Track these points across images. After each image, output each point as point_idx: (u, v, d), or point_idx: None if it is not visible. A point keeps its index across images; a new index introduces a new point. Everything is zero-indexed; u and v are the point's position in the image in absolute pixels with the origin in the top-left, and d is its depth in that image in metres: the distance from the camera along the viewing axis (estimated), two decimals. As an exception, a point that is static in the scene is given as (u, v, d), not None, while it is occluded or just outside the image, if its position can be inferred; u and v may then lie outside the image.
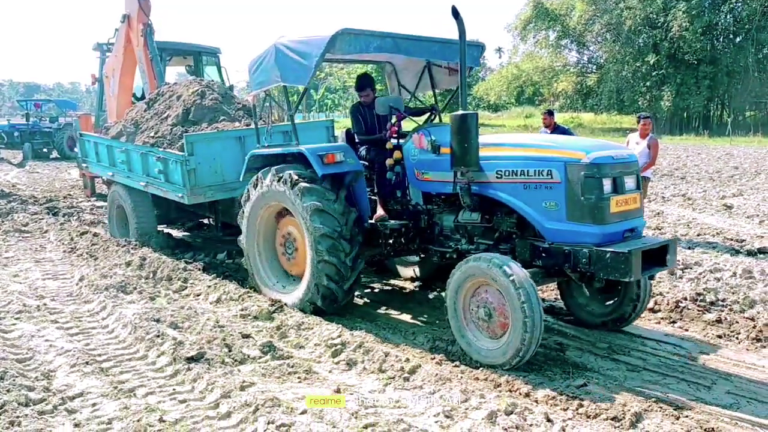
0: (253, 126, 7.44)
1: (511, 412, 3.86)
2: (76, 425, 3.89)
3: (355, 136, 6.79)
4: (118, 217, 9.54)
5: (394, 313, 6.46)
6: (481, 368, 4.77)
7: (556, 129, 9.59)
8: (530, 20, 45.57)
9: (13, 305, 6.28)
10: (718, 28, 39.82)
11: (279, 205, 6.35)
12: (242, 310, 6.08)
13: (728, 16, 39.45)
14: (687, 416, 3.96)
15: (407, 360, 4.76)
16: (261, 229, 6.69)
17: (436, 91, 7.21)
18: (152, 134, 8.45)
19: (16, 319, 5.94)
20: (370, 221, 6.13)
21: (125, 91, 10.97)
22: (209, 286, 6.90)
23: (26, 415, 3.91)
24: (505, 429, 3.71)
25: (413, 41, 6.10)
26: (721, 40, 41.02)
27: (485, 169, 5.24)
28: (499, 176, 5.20)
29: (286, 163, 6.33)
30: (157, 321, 5.58)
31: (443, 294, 6.93)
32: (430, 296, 7.03)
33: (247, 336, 5.37)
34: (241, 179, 6.97)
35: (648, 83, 40.58)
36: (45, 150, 25.90)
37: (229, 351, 4.99)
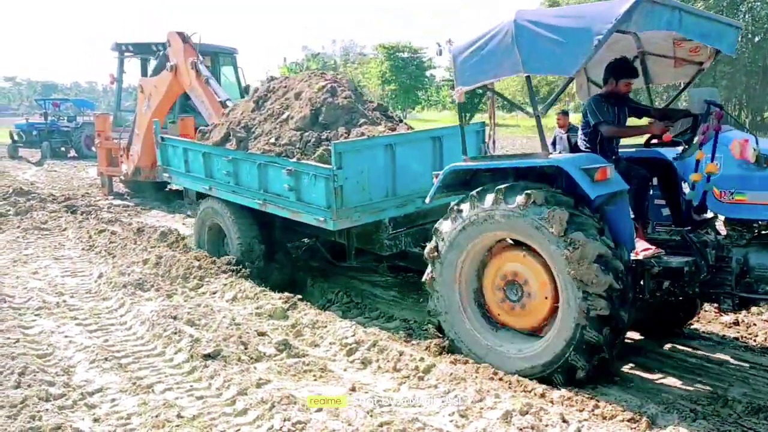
0: (400, 131, 6.63)
1: (527, 413, 3.87)
2: (96, 420, 3.96)
3: (601, 140, 5.03)
4: (212, 239, 8.01)
5: (408, 312, 6.47)
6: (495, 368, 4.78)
7: (570, 130, 9.57)
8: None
9: (33, 302, 6.38)
10: (737, 27, 39.31)
11: (498, 236, 4.80)
12: (257, 308, 6.12)
13: (746, 16, 39.00)
14: (704, 417, 3.93)
15: (422, 359, 4.77)
16: (464, 268, 4.95)
17: (650, 86, 5.81)
18: (273, 140, 6.81)
19: (36, 315, 6.03)
20: (634, 257, 4.48)
21: (159, 115, 11.07)
22: (225, 285, 6.95)
23: (47, 409, 3.98)
24: (520, 429, 3.71)
25: (696, 17, 4.61)
26: (739, 39, 40.55)
27: None
28: None
29: (494, 181, 4.82)
30: (174, 318, 5.64)
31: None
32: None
33: (262, 334, 5.41)
34: (427, 201, 5.45)
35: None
36: (63, 149, 26.19)
37: (245, 348, 5.04)
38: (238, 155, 7.10)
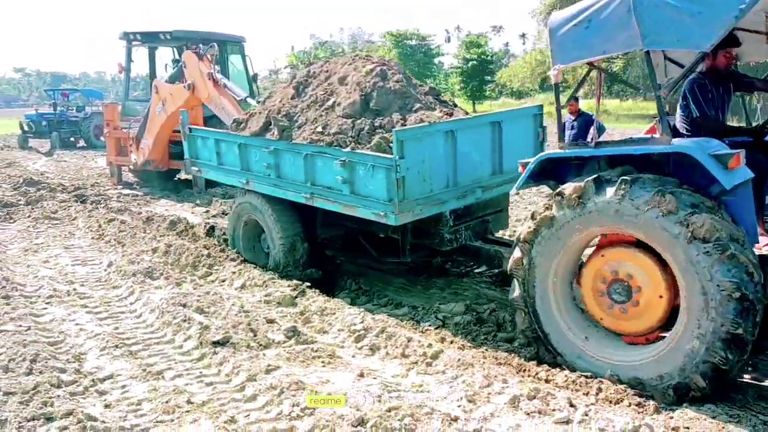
0: (457, 116, 6.23)
1: (534, 397, 3.87)
2: (107, 406, 4.00)
3: (699, 125, 4.61)
4: (247, 236, 7.65)
5: (416, 298, 6.48)
6: (504, 352, 4.78)
7: (580, 116, 9.47)
8: (555, 5, 44.80)
9: (44, 290, 6.44)
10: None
11: (598, 232, 4.34)
12: (266, 295, 6.16)
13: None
14: (712, 401, 3.92)
15: (429, 345, 4.78)
16: (561, 265, 4.50)
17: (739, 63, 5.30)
18: (320, 129, 6.29)
19: (47, 303, 6.09)
20: (758, 252, 3.99)
21: (168, 126, 11.17)
22: (234, 272, 6.99)
23: (58, 396, 4.02)
24: (528, 413, 3.72)
25: None
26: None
27: None
28: None
29: (580, 170, 4.53)
30: (184, 306, 5.68)
31: (465, 280, 6.97)
32: (452, 281, 7.02)
33: (271, 321, 5.44)
34: (516, 191, 5.14)
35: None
36: (72, 139, 26.27)
37: (254, 335, 5.07)
38: (281, 146, 6.59)
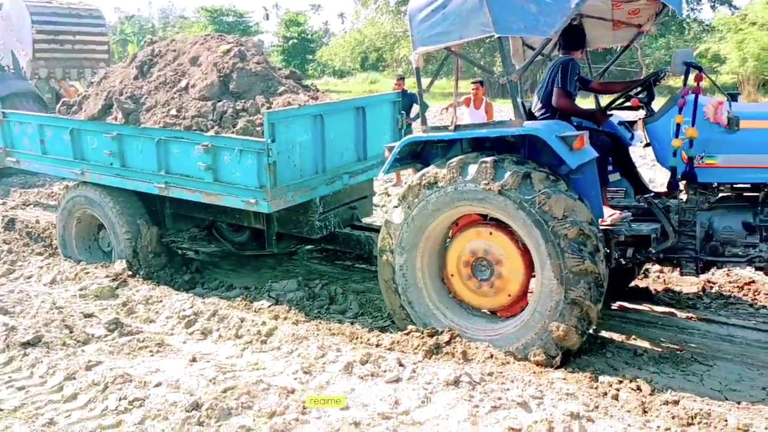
0: (323, 101, 6.06)
1: (366, 362, 4.05)
2: None
3: (573, 108, 4.86)
4: (81, 235, 6.81)
5: (248, 279, 6.41)
6: (336, 323, 4.94)
7: (405, 95, 9.51)
8: (372, -15, 45.91)
9: None
10: None
11: (462, 212, 4.53)
12: (81, 289, 5.70)
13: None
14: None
15: (263, 323, 4.79)
16: (428, 245, 4.66)
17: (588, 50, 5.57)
18: (174, 112, 5.81)
19: None
20: (602, 225, 4.40)
21: None
22: (41, 267, 6.40)
23: None
24: (362, 377, 3.90)
25: None
26: None
27: None
28: None
29: (446, 152, 4.71)
30: (-17, 308, 5.08)
31: (295, 257, 7.03)
32: (283, 259, 7.04)
33: (89, 315, 5.08)
34: (384, 174, 5.16)
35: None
36: None
37: (71, 332, 4.71)
38: (127, 131, 5.97)
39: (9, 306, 5.18)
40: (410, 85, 12.92)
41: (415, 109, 8.95)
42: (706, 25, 29.11)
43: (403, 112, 6.92)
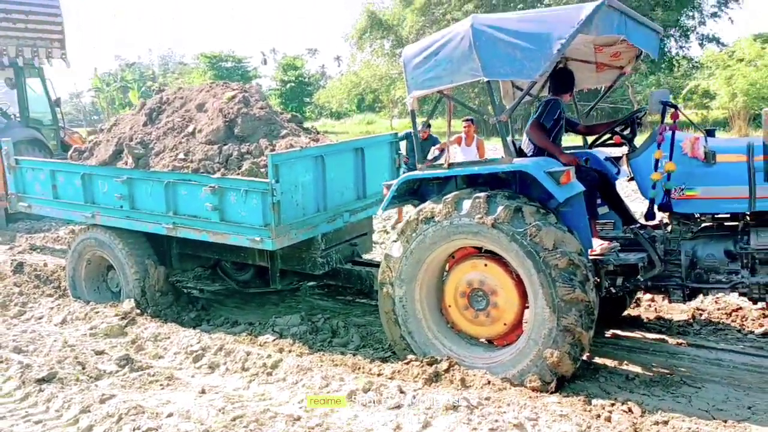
0: (324, 142, 6.35)
1: (369, 390, 4.23)
2: None
3: (544, 142, 5.10)
4: (91, 276, 7.02)
5: (252, 315, 6.59)
6: (339, 355, 5.12)
7: (428, 139, 9.67)
8: (365, 30, 47.03)
9: None
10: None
11: (458, 245, 4.75)
12: (91, 328, 5.88)
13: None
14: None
15: (269, 356, 4.96)
16: (426, 277, 4.90)
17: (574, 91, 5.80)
18: (182, 155, 6.13)
19: None
20: (591, 255, 4.65)
21: None
22: (51, 308, 6.58)
23: None
24: (364, 405, 4.07)
25: (636, 22, 4.76)
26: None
27: None
28: None
29: (441, 189, 5.00)
30: (-2, 347, 5.26)
31: (297, 294, 7.22)
32: (286, 296, 7.24)
33: (100, 353, 5.26)
34: (383, 211, 5.44)
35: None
36: None
37: (83, 368, 4.88)
38: (136, 174, 6.25)
39: (23, 345, 5.36)
40: (406, 125, 13.24)
41: (433, 150, 9.32)
42: (696, 62, 29.89)
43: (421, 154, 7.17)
